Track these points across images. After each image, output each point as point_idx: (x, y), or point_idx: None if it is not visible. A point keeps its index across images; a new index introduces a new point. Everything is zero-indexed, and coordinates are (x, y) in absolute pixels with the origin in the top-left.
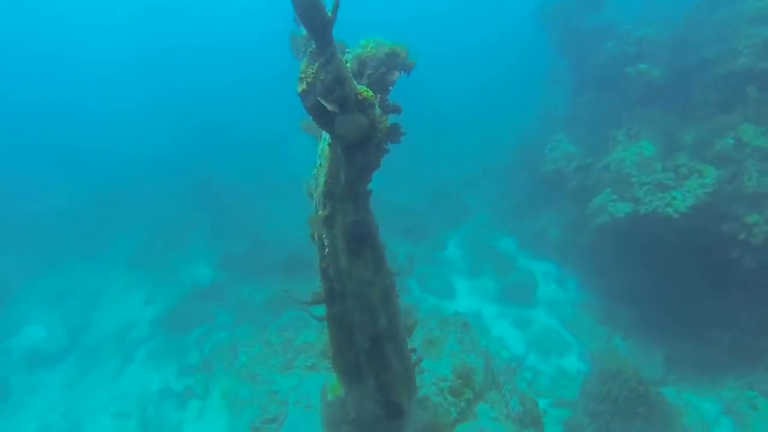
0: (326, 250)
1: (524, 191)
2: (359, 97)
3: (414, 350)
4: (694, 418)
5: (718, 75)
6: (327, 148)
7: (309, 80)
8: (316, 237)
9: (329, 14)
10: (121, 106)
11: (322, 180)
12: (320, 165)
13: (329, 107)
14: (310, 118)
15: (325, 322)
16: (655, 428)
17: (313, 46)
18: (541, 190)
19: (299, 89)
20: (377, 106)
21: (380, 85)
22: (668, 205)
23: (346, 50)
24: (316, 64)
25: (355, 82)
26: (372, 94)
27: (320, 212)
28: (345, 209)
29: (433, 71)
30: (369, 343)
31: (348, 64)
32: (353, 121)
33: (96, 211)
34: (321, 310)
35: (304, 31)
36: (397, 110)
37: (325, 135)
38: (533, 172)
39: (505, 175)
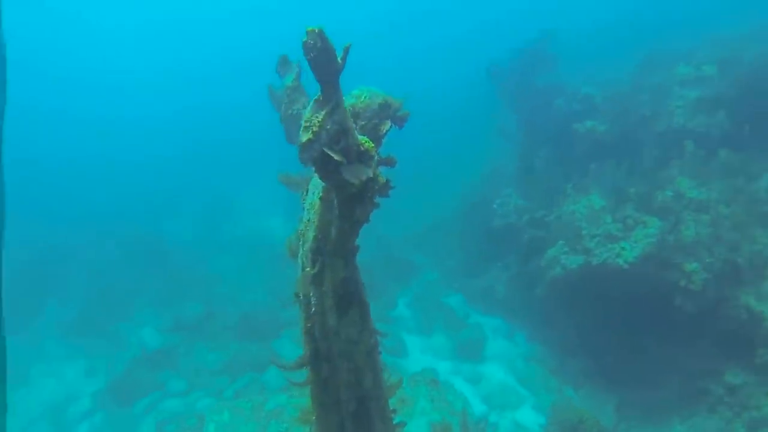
0: (313, 309)
1: (471, 248)
2: (361, 148)
3: (394, 411)
4: None
5: (656, 132)
6: (318, 202)
7: (315, 129)
8: (301, 296)
9: (339, 61)
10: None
11: (310, 235)
12: (308, 220)
13: (336, 158)
14: (297, 170)
15: (307, 386)
16: None
17: (319, 94)
18: (487, 247)
19: (304, 138)
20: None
21: (372, 136)
22: (618, 256)
23: None
24: (322, 113)
25: (356, 132)
26: (372, 145)
27: (308, 270)
28: (335, 265)
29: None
30: (355, 404)
31: None
32: (358, 172)
33: (30, 273)
34: (296, 374)
35: (287, 81)
36: (390, 163)
37: (315, 189)
38: (482, 228)
39: (452, 232)
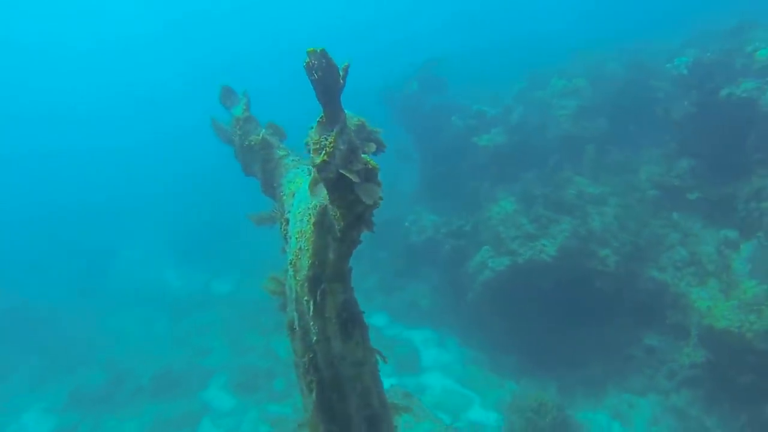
0: (315, 338)
1: (386, 267)
2: (368, 166)
3: (397, 428)
4: (595, 430)
5: (548, 138)
6: (310, 228)
7: (329, 150)
8: (297, 327)
9: (341, 81)
10: None
11: (305, 264)
12: (299, 249)
13: (352, 177)
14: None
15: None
16: None
17: (322, 115)
18: (403, 264)
19: (318, 160)
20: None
21: None
22: (541, 252)
23: (312, 125)
24: (332, 134)
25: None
26: (376, 164)
27: (306, 300)
28: (334, 290)
29: None
30: (366, 427)
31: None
32: (372, 192)
33: None
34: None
35: (236, 112)
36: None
37: (301, 217)
38: (396, 247)
39: (362, 254)
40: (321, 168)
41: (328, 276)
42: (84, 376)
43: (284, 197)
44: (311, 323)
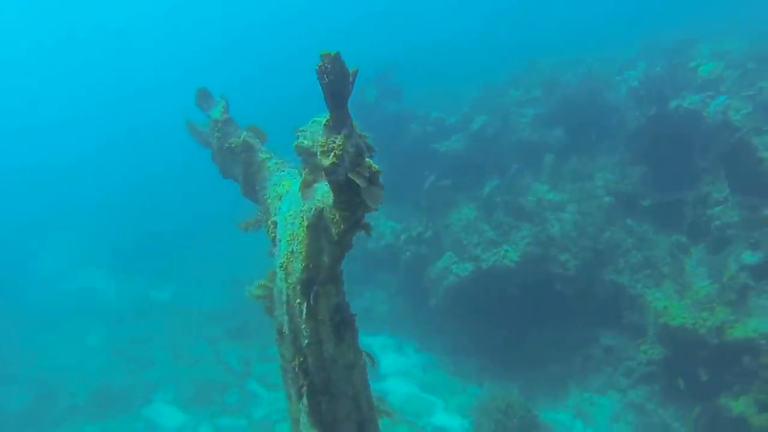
0: (306, 341)
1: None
2: (372, 170)
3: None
4: (560, 429)
5: (508, 145)
6: (303, 231)
7: (338, 153)
8: (287, 332)
9: (350, 86)
10: None
11: (298, 267)
12: (291, 252)
13: (359, 181)
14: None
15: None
16: None
17: (329, 118)
18: (357, 270)
19: (327, 162)
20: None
21: None
22: (504, 258)
23: (301, 129)
24: (340, 137)
25: None
26: (379, 168)
27: (299, 302)
28: (328, 292)
29: None
30: (356, 430)
31: (308, 142)
32: (376, 195)
33: None
34: None
35: (215, 115)
36: None
37: (292, 219)
38: (352, 253)
39: None
40: (330, 170)
41: (322, 279)
42: (6, 395)
43: (269, 200)
44: (303, 326)
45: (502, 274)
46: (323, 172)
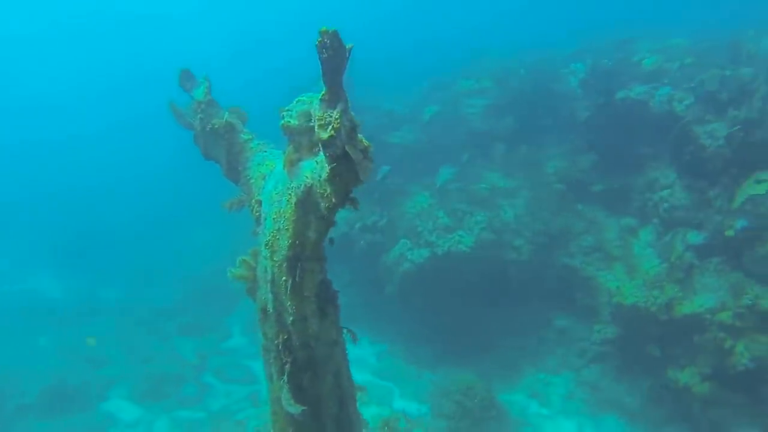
0: (291, 318)
1: None
2: (364, 144)
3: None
4: (515, 410)
5: (460, 135)
6: (291, 209)
7: (336, 126)
8: (271, 309)
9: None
10: None
11: (284, 244)
12: (277, 230)
13: (353, 154)
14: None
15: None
16: (501, 426)
17: (325, 93)
18: None
19: (325, 135)
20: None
21: None
22: (459, 243)
23: (286, 108)
24: (337, 111)
25: None
26: (369, 143)
27: (285, 279)
28: (313, 269)
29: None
30: (337, 407)
31: (294, 121)
32: (367, 169)
33: None
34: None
35: (198, 96)
36: None
37: (278, 197)
38: None
39: None
40: (328, 144)
41: (307, 255)
42: None
43: (253, 180)
44: (288, 303)
45: (457, 260)
46: (321, 145)
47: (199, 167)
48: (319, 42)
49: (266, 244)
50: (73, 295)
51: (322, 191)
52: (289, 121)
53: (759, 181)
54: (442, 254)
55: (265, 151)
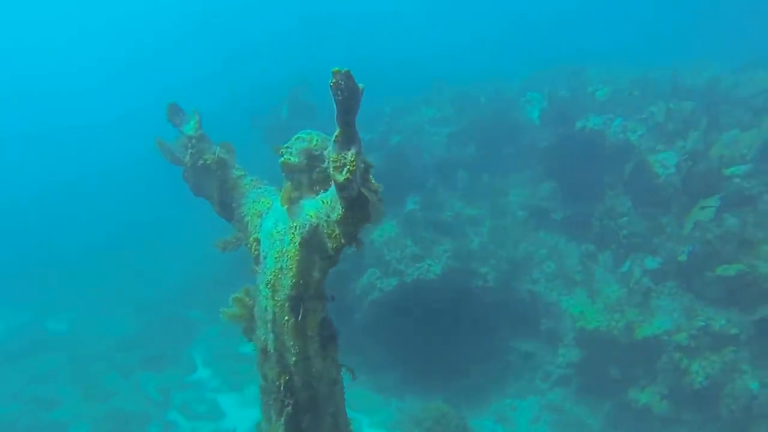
0: (294, 359)
1: None
2: (375, 186)
3: None
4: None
5: (424, 163)
6: (295, 248)
7: (352, 169)
8: (272, 350)
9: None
10: None
11: (287, 283)
12: (279, 269)
13: (371, 196)
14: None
15: None
16: None
17: (338, 133)
18: None
19: (341, 178)
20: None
21: (329, 178)
22: (427, 271)
23: (285, 146)
24: (351, 153)
25: None
26: (379, 185)
27: (287, 319)
28: (315, 308)
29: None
30: None
31: (295, 159)
32: (381, 209)
33: None
34: None
35: (188, 131)
36: None
37: (279, 237)
38: None
39: (226, 282)
40: (343, 186)
41: (310, 294)
42: None
43: (248, 218)
44: (291, 343)
45: (425, 288)
46: (336, 187)
47: (148, 188)
48: (334, 83)
49: (267, 284)
50: (16, 329)
51: (330, 231)
52: (289, 159)
53: (703, 208)
54: (410, 282)
55: (260, 188)
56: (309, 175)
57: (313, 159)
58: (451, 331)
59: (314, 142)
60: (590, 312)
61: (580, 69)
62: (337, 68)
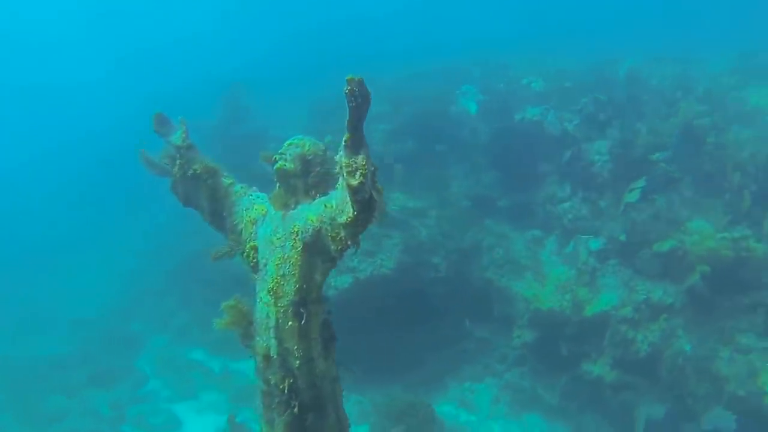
0: (297, 362)
1: (198, 300)
2: (379, 188)
3: None
4: (448, 420)
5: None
6: (297, 253)
7: (364, 172)
8: (275, 356)
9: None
10: None
11: (290, 289)
12: (282, 275)
13: (377, 197)
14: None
15: None
16: None
17: (347, 137)
18: (219, 295)
19: (356, 182)
20: None
21: (324, 182)
22: (381, 266)
23: (280, 152)
24: (362, 157)
25: None
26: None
27: (291, 324)
28: (317, 311)
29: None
30: None
31: (290, 165)
32: (383, 209)
33: None
34: None
35: (176, 141)
36: None
37: (279, 243)
38: (213, 277)
39: (167, 291)
40: (357, 189)
41: (313, 298)
42: None
43: (242, 226)
44: (295, 347)
45: (379, 283)
46: (350, 191)
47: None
48: (349, 90)
49: (269, 291)
50: None
51: (334, 234)
52: (285, 165)
53: (632, 190)
54: (364, 278)
55: (251, 195)
56: (304, 179)
57: (307, 164)
58: (408, 324)
59: (307, 148)
60: (543, 294)
61: (504, 65)
62: (351, 76)
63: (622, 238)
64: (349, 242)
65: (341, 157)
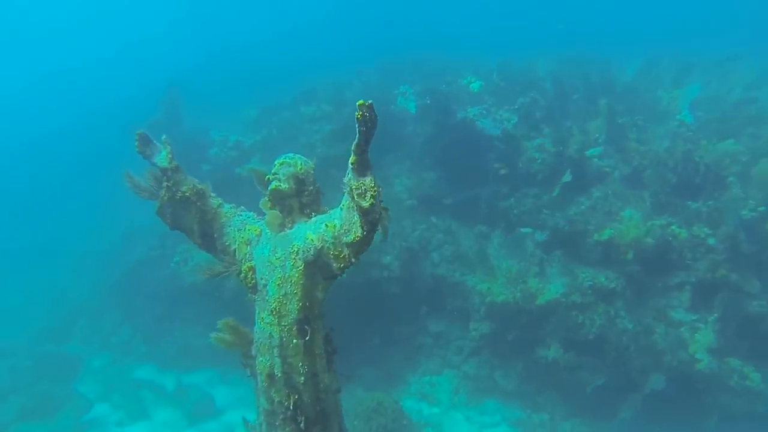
0: (302, 378)
1: (142, 315)
2: (383, 207)
3: None
4: (413, 414)
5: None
6: (298, 273)
7: (374, 194)
8: (280, 374)
9: None
10: None
11: (293, 308)
12: (284, 294)
13: (386, 217)
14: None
15: None
16: None
17: (355, 159)
18: (162, 308)
19: (367, 204)
20: None
21: (317, 200)
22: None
23: (272, 173)
24: (370, 179)
25: None
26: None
27: (296, 341)
28: (319, 327)
29: None
30: None
31: (285, 185)
32: (387, 227)
33: None
34: None
35: (162, 162)
36: None
37: (278, 264)
38: (157, 290)
39: (105, 307)
40: (368, 211)
41: (315, 314)
42: None
43: (235, 247)
44: (300, 364)
45: (333, 286)
46: (361, 213)
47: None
48: (360, 115)
49: (272, 312)
50: None
51: (337, 252)
52: (279, 185)
53: (561, 184)
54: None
55: (241, 215)
56: (299, 199)
57: (300, 183)
58: (363, 324)
59: (299, 166)
60: (497, 287)
61: (448, 69)
62: (362, 101)
63: (566, 228)
64: (352, 260)
65: (350, 180)
